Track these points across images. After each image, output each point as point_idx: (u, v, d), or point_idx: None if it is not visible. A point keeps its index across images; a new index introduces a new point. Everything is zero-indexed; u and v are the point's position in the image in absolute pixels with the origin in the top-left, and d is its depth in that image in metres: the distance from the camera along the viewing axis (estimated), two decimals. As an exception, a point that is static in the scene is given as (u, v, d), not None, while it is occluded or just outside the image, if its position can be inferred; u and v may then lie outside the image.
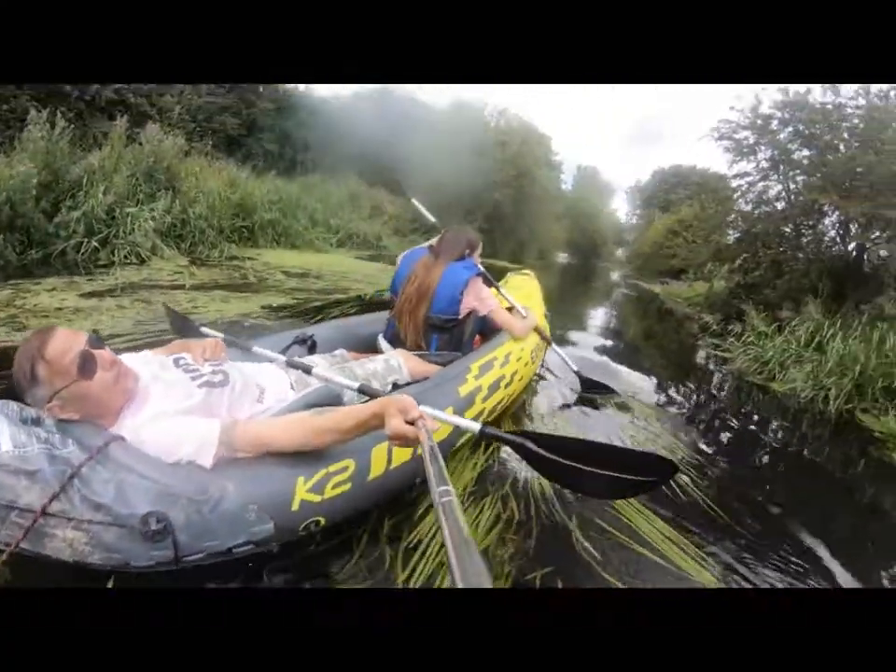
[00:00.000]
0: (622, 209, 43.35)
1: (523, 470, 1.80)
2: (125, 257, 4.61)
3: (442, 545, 1.13)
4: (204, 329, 1.89)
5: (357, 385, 1.52)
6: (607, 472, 1.17)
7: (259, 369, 1.53)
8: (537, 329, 2.55)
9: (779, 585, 1.43)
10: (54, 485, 0.97)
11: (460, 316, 2.02)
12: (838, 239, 5.67)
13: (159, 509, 1.00)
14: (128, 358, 1.27)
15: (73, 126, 4.90)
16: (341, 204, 9.10)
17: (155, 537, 0.99)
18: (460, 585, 0.52)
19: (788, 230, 5.95)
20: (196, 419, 1.16)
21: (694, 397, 3.61)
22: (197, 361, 1.36)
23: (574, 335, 4.87)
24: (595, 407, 2.73)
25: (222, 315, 3.27)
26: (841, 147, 5.23)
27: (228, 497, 1.07)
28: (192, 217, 5.45)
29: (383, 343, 2.15)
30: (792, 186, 5.95)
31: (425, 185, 11.79)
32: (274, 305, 3.64)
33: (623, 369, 3.80)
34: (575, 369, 2.88)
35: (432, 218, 2.90)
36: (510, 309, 2.49)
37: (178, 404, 1.17)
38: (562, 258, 25.02)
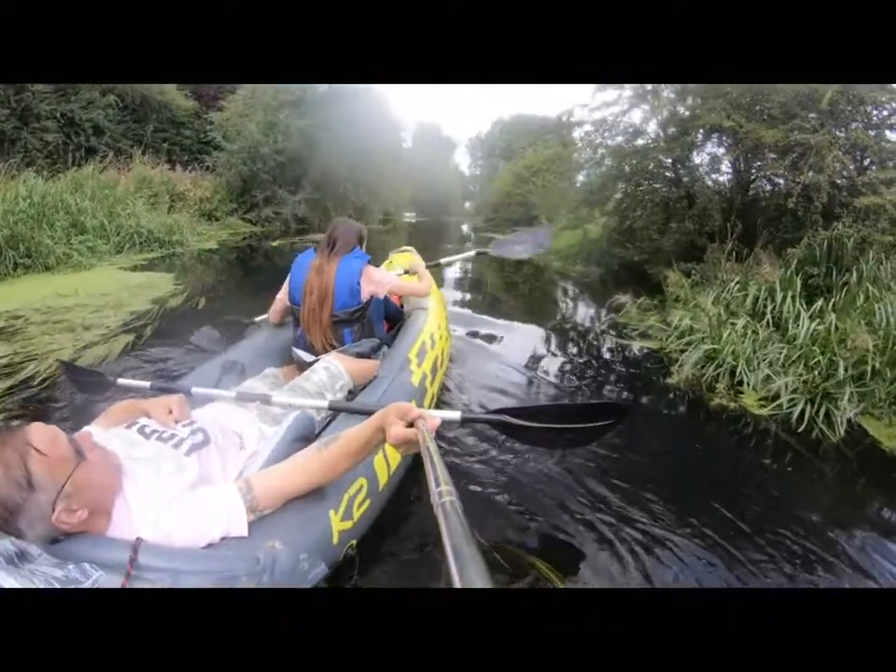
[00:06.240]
0: (463, 162, 42.94)
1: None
2: None
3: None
4: (122, 381, 1.61)
5: (326, 403, 1.52)
6: (576, 426, 1.31)
7: (219, 412, 1.42)
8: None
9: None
10: None
11: (363, 304, 2.03)
12: (728, 169, 5.10)
13: None
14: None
15: None
16: (119, 199, 6.77)
17: None
18: (459, 586, 0.49)
19: (669, 162, 5.27)
20: (208, 491, 1.07)
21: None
22: (167, 425, 1.22)
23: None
24: None
25: None
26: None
27: (280, 557, 1.02)
28: None
29: (300, 353, 2.05)
30: (666, 114, 5.25)
31: (238, 158, 9.92)
32: None
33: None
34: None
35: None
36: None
37: (177, 480, 1.06)
38: (408, 217, 23.62)
